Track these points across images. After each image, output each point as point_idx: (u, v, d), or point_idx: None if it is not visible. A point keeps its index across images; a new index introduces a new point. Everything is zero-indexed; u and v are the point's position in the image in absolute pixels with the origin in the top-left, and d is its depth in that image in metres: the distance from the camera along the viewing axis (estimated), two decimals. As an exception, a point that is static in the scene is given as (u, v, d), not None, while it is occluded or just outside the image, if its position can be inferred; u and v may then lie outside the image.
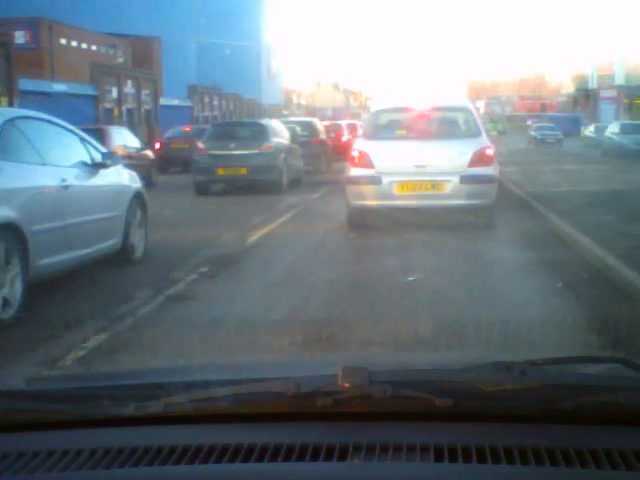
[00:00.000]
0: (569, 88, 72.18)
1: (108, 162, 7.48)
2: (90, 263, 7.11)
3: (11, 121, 6.34)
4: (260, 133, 16.58)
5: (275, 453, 1.39)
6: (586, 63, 66.64)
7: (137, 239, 8.02)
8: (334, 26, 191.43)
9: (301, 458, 1.38)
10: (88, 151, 7.35)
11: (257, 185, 15.73)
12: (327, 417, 1.52)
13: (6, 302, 5.55)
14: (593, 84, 63.11)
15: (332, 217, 11.14)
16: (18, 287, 5.71)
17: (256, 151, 15.90)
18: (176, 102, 45.34)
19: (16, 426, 1.58)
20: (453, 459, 1.36)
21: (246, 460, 1.38)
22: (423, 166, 9.62)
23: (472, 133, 10.20)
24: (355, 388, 1.50)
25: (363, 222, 10.02)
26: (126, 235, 7.69)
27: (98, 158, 7.38)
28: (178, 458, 1.40)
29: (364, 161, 9.86)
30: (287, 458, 1.38)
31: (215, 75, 49.51)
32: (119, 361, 4.56)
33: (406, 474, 1.35)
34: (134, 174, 8.38)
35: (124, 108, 38.37)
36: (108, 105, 36.58)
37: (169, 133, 26.26)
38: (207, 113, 50.41)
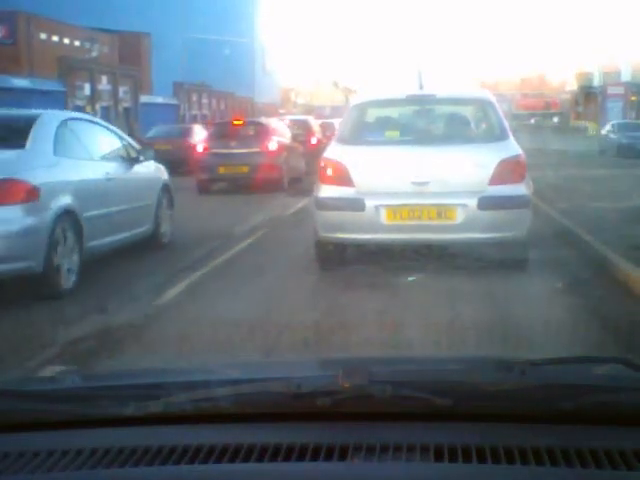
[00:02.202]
0: (572, 86, 71.88)
1: (142, 157, 8.51)
2: (128, 246, 7.95)
3: (64, 122, 7.29)
4: (261, 132, 16.98)
5: (275, 453, 1.39)
6: (589, 61, 66.42)
7: (165, 226, 9.00)
8: (334, 24, 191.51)
9: (301, 458, 1.37)
10: (125, 147, 8.42)
11: (258, 183, 15.94)
12: (327, 417, 1.52)
13: (67, 273, 6.50)
14: (600, 81, 62.80)
15: (305, 245, 8.10)
16: (75, 264, 6.67)
17: (257, 150, 16.28)
18: (160, 100, 43.26)
19: (16, 426, 1.58)
20: (453, 459, 1.36)
21: (246, 460, 1.38)
22: (425, 183, 6.89)
23: (495, 135, 7.33)
24: (355, 388, 1.50)
25: (339, 263, 7.37)
26: (156, 222, 8.67)
27: (133, 153, 8.45)
28: (178, 458, 1.40)
29: (339, 176, 7.08)
30: (287, 458, 1.38)
31: (207, 73, 48.05)
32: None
33: (406, 474, 1.35)
34: (162, 167, 9.33)
35: (98, 106, 36.01)
36: (79, 102, 34.19)
37: (151, 133, 24.81)
38: (195, 112, 48.38)
